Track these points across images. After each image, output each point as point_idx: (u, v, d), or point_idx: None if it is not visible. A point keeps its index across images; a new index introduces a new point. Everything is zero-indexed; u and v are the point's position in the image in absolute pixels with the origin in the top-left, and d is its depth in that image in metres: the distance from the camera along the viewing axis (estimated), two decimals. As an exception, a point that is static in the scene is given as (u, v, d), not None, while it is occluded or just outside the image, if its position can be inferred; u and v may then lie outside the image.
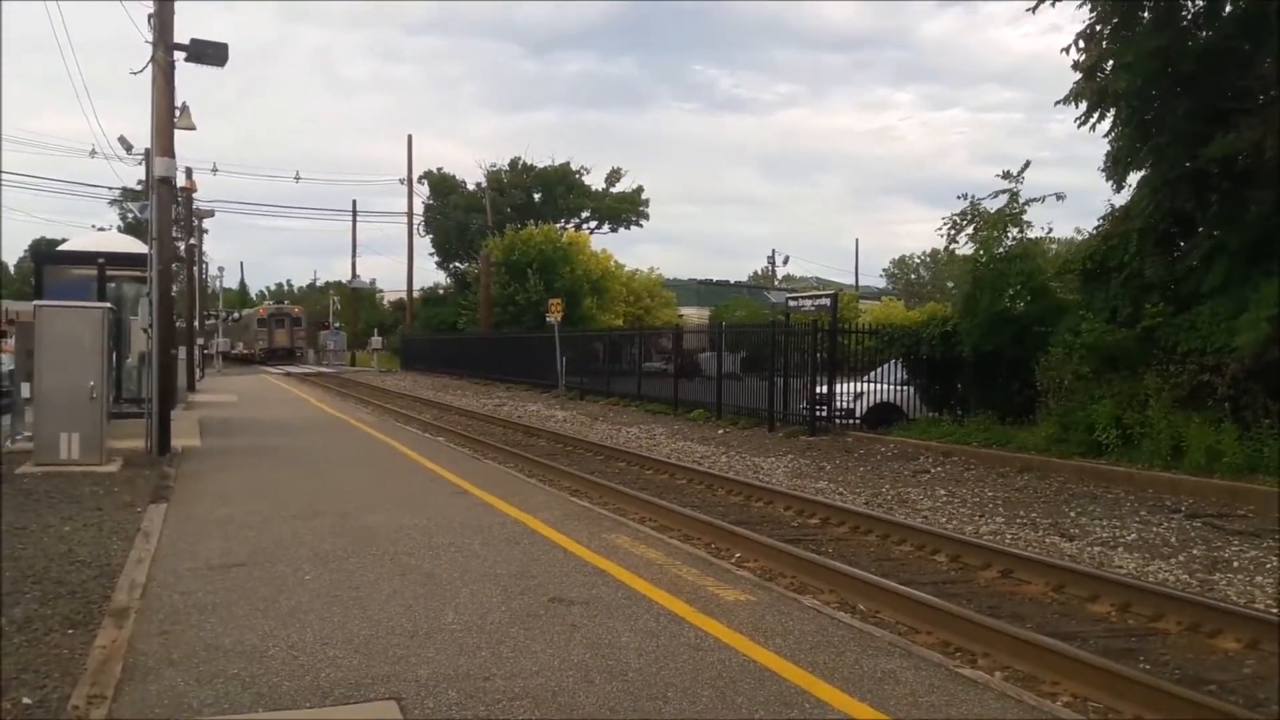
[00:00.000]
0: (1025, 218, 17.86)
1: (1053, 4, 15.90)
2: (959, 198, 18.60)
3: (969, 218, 18.37)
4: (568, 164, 64.92)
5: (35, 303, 13.86)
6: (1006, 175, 18.12)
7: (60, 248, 23.72)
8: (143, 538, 8.55)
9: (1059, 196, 18.07)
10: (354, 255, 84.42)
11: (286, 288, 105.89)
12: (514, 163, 65.31)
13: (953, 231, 18.65)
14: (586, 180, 65.72)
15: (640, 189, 66.89)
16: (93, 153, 50.06)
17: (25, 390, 13.57)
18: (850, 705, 4.80)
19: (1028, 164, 18.25)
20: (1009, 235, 17.97)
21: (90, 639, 5.71)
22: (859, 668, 5.36)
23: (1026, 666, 6.04)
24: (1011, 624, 6.78)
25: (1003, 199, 18.07)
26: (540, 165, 64.93)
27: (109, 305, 14.54)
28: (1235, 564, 8.98)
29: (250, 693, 4.87)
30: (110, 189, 64.71)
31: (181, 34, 15.15)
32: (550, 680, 5.08)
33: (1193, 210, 14.89)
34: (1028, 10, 16.56)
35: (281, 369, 57.52)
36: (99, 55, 32.12)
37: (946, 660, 5.74)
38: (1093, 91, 15.62)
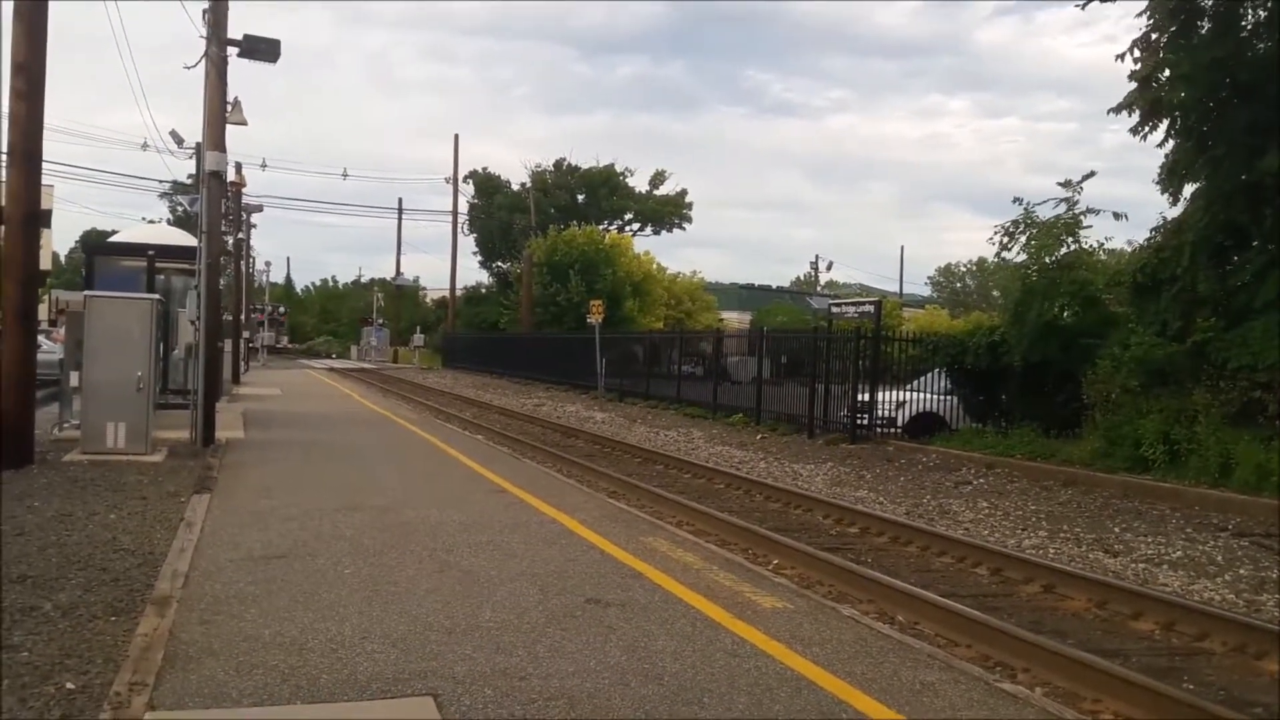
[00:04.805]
0: (1083, 226, 17.63)
1: None
2: (1014, 201, 18.33)
3: (1023, 225, 18.12)
4: (612, 165, 65.07)
5: (85, 293, 14.04)
6: (1066, 184, 17.90)
7: (111, 239, 24.04)
8: (186, 528, 8.66)
9: (1118, 215, 17.86)
10: (399, 253, 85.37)
11: (331, 284, 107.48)
12: (559, 164, 65.56)
13: (1005, 239, 18.40)
14: (630, 182, 65.83)
15: (684, 192, 66.99)
16: (145, 146, 51.13)
17: (74, 379, 13.76)
18: (888, 716, 4.75)
19: (1091, 174, 18.06)
20: (1064, 244, 17.73)
21: (133, 626, 5.78)
22: (897, 679, 5.30)
23: (1067, 683, 5.94)
24: (1053, 639, 6.68)
25: (1060, 207, 17.84)
26: (585, 166, 65.10)
27: (158, 297, 14.72)
28: (1285, 585, 8.80)
29: (289, 685, 4.91)
30: (161, 182, 65.90)
31: (236, 33, 15.39)
32: (586, 681, 5.08)
33: (1247, 224, 14.62)
34: (1077, 5, 16.20)
35: (324, 364, 58.20)
36: (153, 51, 32.70)
37: (986, 674, 5.66)
38: (1147, 101, 15.36)
